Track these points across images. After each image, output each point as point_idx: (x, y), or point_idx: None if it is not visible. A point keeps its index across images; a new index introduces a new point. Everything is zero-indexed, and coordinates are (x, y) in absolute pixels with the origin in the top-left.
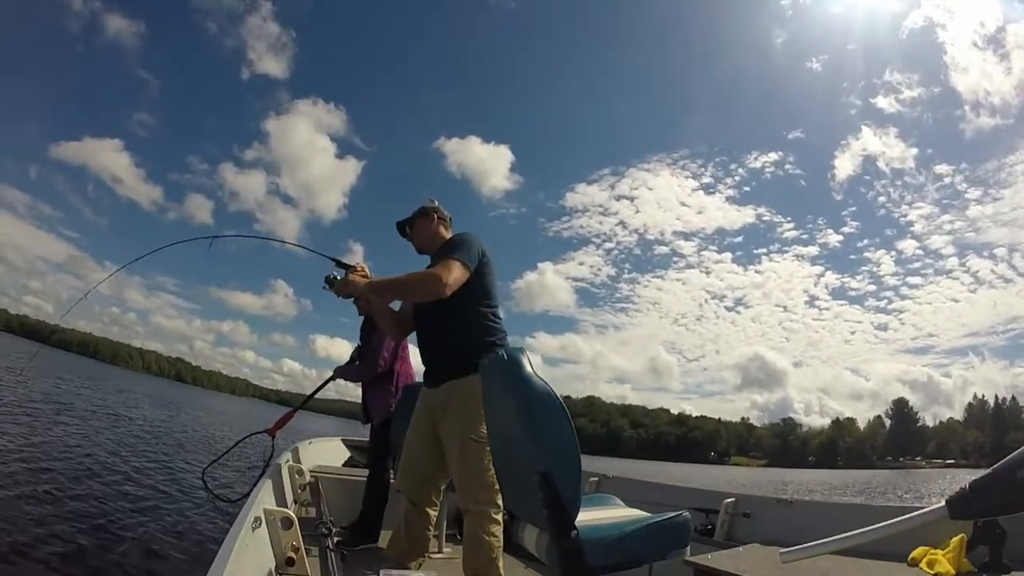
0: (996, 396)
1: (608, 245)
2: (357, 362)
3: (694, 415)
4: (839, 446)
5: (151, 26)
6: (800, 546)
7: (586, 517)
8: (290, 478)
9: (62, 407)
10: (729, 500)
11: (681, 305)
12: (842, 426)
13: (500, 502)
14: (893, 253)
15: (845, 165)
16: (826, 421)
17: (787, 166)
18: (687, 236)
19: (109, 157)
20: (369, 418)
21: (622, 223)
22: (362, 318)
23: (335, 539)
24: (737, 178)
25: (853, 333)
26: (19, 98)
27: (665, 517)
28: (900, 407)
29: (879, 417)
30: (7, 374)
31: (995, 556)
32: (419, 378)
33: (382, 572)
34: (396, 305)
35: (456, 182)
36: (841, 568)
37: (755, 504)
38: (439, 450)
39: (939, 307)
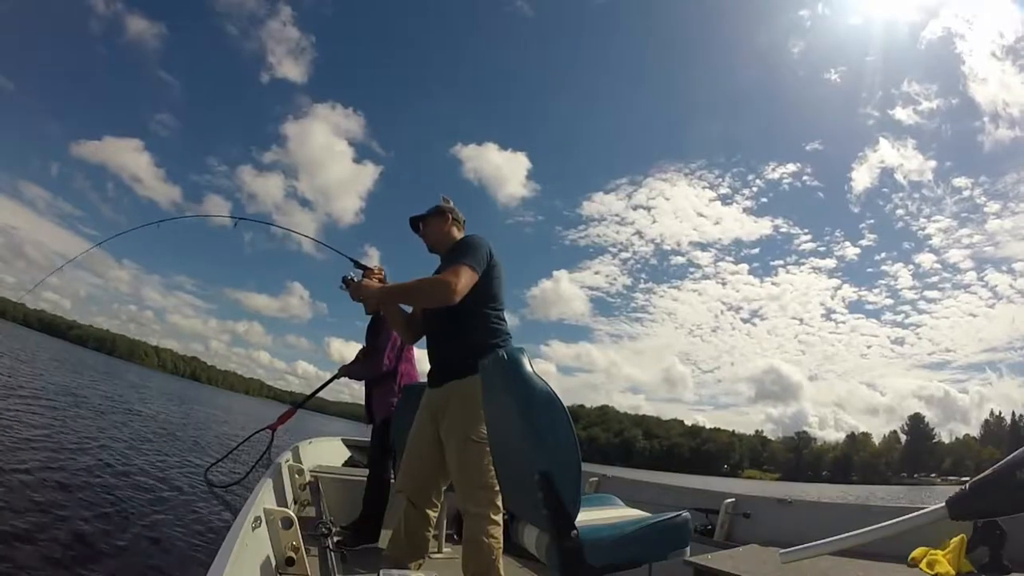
0: (1013, 413)
1: (624, 254)
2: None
3: (708, 427)
4: (853, 461)
5: (172, 28)
6: (800, 546)
7: (586, 517)
8: (290, 478)
9: (79, 399)
10: (729, 500)
11: (696, 316)
12: (857, 441)
13: (500, 503)
14: (911, 267)
15: (863, 177)
16: (841, 435)
17: (805, 177)
18: (704, 247)
19: (129, 156)
20: (372, 418)
21: (639, 232)
22: (369, 318)
23: (335, 539)
24: (755, 189)
25: (869, 347)
26: (42, 98)
27: (665, 517)
28: (916, 423)
29: (895, 432)
30: (23, 366)
31: (995, 557)
32: (423, 379)
33: (382, 572)
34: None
35: (473, 188)
36: (841, 568)
37: (755, 504)
38: (440, 451)
39: (956, 322)
